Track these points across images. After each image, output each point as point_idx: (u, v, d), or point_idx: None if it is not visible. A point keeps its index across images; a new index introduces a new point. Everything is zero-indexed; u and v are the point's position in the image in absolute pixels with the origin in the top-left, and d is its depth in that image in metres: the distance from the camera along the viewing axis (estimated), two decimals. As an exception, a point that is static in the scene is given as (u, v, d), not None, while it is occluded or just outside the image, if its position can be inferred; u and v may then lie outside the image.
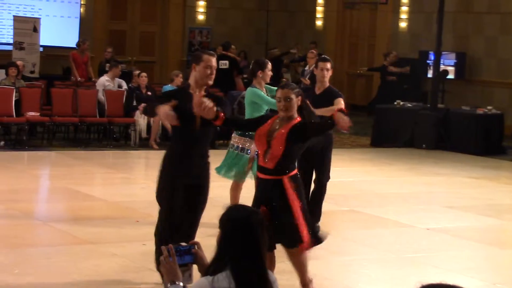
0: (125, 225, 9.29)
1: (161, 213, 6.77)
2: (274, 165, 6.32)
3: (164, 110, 6.39)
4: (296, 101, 6.40)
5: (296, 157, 6.49)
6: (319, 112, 7.55)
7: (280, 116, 6.44)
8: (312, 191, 9.12)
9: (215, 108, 6.19)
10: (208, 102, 6.16)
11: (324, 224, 8.98)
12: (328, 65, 8.93)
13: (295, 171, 6.44)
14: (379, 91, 20.45)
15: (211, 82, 6.67)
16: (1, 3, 20.38)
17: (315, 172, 9.17)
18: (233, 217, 3.92)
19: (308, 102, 6.65)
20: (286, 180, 6.33)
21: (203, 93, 6.55)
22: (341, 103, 8.47)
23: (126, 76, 16.94)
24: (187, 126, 6.54)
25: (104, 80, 16.13)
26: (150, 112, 7.08)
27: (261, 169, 6.45)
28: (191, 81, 6.70)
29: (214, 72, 6.64)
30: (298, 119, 6.42)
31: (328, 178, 9.25)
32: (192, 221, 6.74)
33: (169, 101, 6.49)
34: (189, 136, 6.62)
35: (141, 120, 15.40)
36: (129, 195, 11.04)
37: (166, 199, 6.69)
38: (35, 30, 18.84)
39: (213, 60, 6.62)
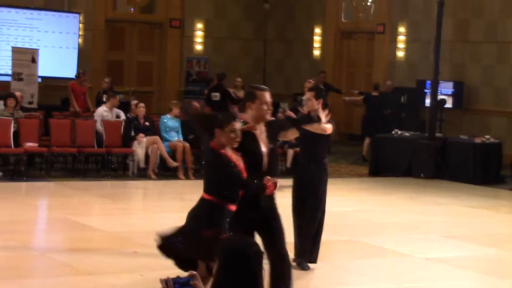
0: (123, 255, 9.27)
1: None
2: None
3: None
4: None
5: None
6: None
7: None
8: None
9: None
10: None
11: (322, 253, 8.96)
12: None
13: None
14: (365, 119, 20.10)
15: (269, 117, 6.60)
16: (0, 34, 20.47)
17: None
18: (230, 248, 3.92)
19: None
20: None
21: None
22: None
23: (124, 106, 16.98)
24: (255, 164, 6.45)
25: (102, 111, 16.16)
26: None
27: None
28: (249, 119, 6.56)
29: (271, 107, 6.58)
30: None
31: (323, 211, 8.97)
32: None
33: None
34: (258, 174, 6.45)
35: (139, 150, 15.41)
36: (127, 225, 11.02)
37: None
38: (34, 61, 18.91)
39: (268, 96, 6.54)
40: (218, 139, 6.27)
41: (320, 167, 8.72)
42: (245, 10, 24.42)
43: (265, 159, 6.41)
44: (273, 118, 6.87)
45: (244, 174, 6.28)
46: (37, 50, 19.23)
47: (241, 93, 19.43)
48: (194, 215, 6.37)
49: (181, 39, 23.51)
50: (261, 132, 6.43)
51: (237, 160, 6.32)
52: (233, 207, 6.30)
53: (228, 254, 3.89)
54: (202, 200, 6.35)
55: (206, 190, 6.35)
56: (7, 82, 18.78)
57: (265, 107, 6.48)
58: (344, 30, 23.41)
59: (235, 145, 6.32)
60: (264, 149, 6.39)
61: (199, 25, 23.82)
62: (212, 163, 6.38)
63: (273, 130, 6.61)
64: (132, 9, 23.82)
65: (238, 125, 6.32)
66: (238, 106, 18.61)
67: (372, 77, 21.89)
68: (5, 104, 15.58)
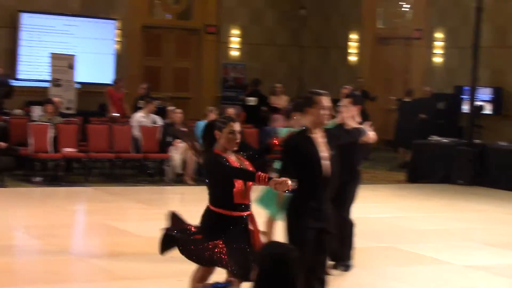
0: (161, 261, 9.23)
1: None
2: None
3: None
4: None
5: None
6: None
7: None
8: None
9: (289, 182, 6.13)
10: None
11: (360, 260, 8.91)
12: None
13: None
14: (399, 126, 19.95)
15: (327, 122, 6.54)
16: (38, 41, 20.65)
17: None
18: (270, 253, 3.90)
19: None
20: None
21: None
22: None
23: (161, 112, 17.04)
24: (313, 170, 6.36)
25: (139, 116, 16.23)
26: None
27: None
28: (307, 124, 6.51)
29: (330, 112, 6.52)
30: None
31: (349, 214, 8.95)
32: (323, 263, 6.58)
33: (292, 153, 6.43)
34: (316, 179, 6.37)
35: (176, 156, 15.45)
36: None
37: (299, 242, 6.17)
38: (71, 67, 19.06)
39: (326, 100, 6.44)
40: (219, 142, 6.34)
41: (352, 175, 8.73)
42: (281, 16, 24.40)
43: (326, 165, 6.32)
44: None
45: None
46: (74, 56, 19.37)
47: (280, 100, 19.39)
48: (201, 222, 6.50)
49: (217, 45, 23.55)
50: (320, 137, 6.36)
51: (239, 164, 6.34)
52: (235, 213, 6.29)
53: (267, 259, 3.87)
54: (207, 209, 6.50)
55: (210, 200, 6.46)
56: (46, 88, 18.93)
57: (323, 112, 6.40)
58: (381, 36, 23.31)
59: (235, 147, 6.35)
60: (323, 154, 6.31)
61: (235, 31, 23.85)
62: (212, 166, 6.42)
63: (333, 138, 6.51)
64: (168, 16, 23.89)
65: (236, 126, 6.35)
66: (281, 113, 18.47)
67: (409, 83, 21.75)
68: (43, 110, 15.70)
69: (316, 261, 6.30)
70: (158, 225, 11.39)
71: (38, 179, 14.80)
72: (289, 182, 5.97)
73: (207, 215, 6.47)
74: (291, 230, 6.34)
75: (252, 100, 19.22)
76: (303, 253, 5.94)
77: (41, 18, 20.75)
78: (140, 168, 16.05)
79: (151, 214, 12.55)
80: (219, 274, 6.25)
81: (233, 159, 6.33)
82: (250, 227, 6.38)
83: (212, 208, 6.42)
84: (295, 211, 6.33)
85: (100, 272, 8.80)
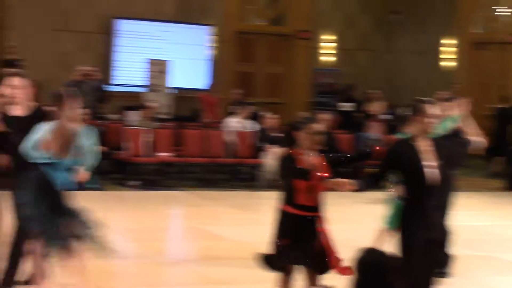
0: (255, 266, 9.25)
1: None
2: None
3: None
4: None
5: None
6: None
7: None
8: None
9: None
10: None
11: (457, 269, 8.74)
12: None
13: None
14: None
15: (432, 131, 6.48)
16: (133, 46, 20.96)
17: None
18: (370, 261, 3.86)
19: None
20: None
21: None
22: None
23: (255, 117, 17.08)
24: (417, 178, 6.25)
25: (233, 122, 16.31)
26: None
27: None
28: (412, 132, 6.46)
29: (436, 120, 6.47)
30: None
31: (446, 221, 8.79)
32: (430, 272, 6.49)
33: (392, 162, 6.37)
34: (421, 188, 6.27)
35: (269, 161, 15.45)
36: (258, 236, 11.02)
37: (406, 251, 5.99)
38: (166, 72, 19.29)
39: (432, 109, 6.40)
40: (298, 143, 6.42)
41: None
42: (374, 21, 24.22)
43: (430, 173, 6.20)
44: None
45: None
46: (169, 61, 19.59)
47: (375, 106, 19.19)
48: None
49: (310, 50, 23.49)
50: (425, 145, 6.26)
51: (311, 164, 6.38)
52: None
53: (368, 267, 3.84)
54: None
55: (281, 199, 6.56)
56: (141, 93, 19.19)
57: (428, 121, 6.32)
58: (476, 41, 22.90)
59: (315, 148, 6.43)
60: (428, 162, 6.19)
61: (328, 37, 23.76)
62: (279, 165, 6.58)
63: (443, 147, 6.39)
64: (261, 21, 23.96)
65: (317, 126, 6.45)
66: (376, 119, 18.23)
67: (507, 88, 21.30)
68: (139, 115, 15.93)
69: (423, 270, 6.19)
70: (251, 230, 11.47)
71: (134, 183, 15.00)
72: (349, 183, 6.02)
73: (278, 213, 6.65)
74: (400, 239, 6.25)
75: (346, 106, 19.11)
76: (410, 262, 5.89)
77: (136, 24, 21.04)
78: (234, 173, 16.12)
79: (244, 219, 12.60)
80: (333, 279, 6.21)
81: (306, 159, 6.37)
82: (319, 229, 6.41)
83: (280, 206, 6.59)
84: (403, 219, 6.24)
85: (195, 276, 8.85)
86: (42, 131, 6.71)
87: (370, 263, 3.86)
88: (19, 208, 6.88)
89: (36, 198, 6.64)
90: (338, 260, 6.23)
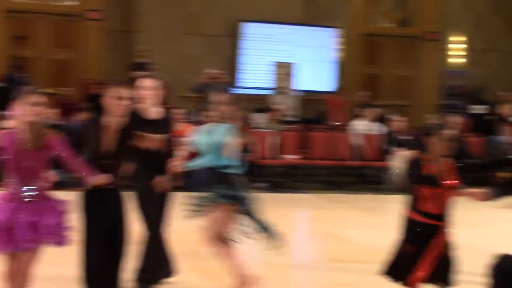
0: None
1: None
2: None
3: None
4: None
5: None
6: None
7: None
8: None
9: None
10: None
11: None
12: None
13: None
14: None
15: None
16: (259, 49, 21.07)
17: None
18: (507, 267, 3.71)
19: None
20: None
21: None
22: None
23: (382, 120, 16.90)
24: None
25: (359, 124, 16.18)
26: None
27: None
28: None
29: None
30: None
31: None
32: None
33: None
34: None
35: (396, 164, 15.25)
36: (385, 240, 10.85)
37: None
38: (292, 75, 19.31)
39: None
40: (427, 148, 6.29)
41: None
42: (506, 22, 23.59)
43: None
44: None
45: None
46: (295, 64, 19.60)
47: (505, 109, 18.66)
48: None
49: (438, 52, 23.09)
50: None
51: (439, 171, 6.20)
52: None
53: (503, 273, 3.70)
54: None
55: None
56: (267, 96, 19.27)
57: None
58: None
59: (447, 154, 6.26)
60: None
61: (457, 38, 23.28)
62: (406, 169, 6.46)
63: None
64: (388, 23, 23.70)
65: (450, 133, 6.32)
66: (506, 124, 17.77)
67: None
68: (266, 117, 15.99)
69: None
70: (379, 233, 11.32)
71: (260, 185, 15.06)
72: (482, 194, 5.85)
73: (403, 219, 6.59)
74: None
75: (477, 108, 18.67)
76: None
77: (262, 27, 21.15)
78: (360, 176, 15.98)
79: (371, 222, 12.46)
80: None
81: (435, 166, 6.18)
82: (440, 238, 6.27)
83: (405, 212, 6.51)
84: None
85: (324, 280, 8.78)
86: (223, 135, 6.88)
87: (506, 269, 3.70)
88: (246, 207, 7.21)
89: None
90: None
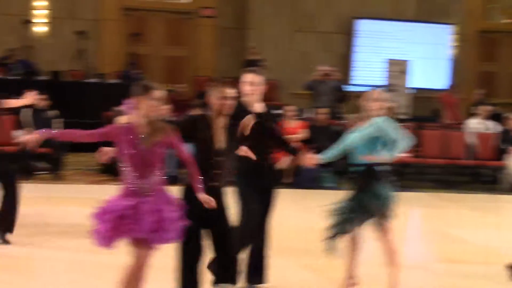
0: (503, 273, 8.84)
1: None
2: None
3: None
4: None
5: None
6: None
7: None
8: None
9: None
10: None
11: None
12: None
13: None
14: None
15: None
16: (372, 46, 20.91)
17: None
18: None
19: None
20: None
21: None
22: None
23: (498, 118, 16.52)
24: None
25: (474, 123, 15.86)
26: None
27: None
28: None
29: None
30: None
31: None
32: None
33: None
34: None
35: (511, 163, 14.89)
36: (502, 241, 10.61)
37: None
38: (406, 72, 19.06)
39: None
40: None
41: None
42: None
43: None
44: None
45: None
46: (409, 61, 19.35)
47: None
48: None
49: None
50: None
51: None
52: None
53: None
54: None
55: None
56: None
57: None
58: None
59: None
60: None
61: None
62: None
63: None
64: (505, 20, 23.16)
65: None
66: None
67: None
68: (378, 115, 15.82)
69: None
70: (494, 234, 11.06)
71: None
72: None
73: None
74: None
75: None
76: None
77: (376, 24, 21.00)
78: (475, 175, 15.66)
79: (486, 223, 12.21)
80: None
81: None
82: None
83: None
84: None
85: (438, 280, 8.62)
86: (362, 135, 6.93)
87: None
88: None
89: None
90: None
